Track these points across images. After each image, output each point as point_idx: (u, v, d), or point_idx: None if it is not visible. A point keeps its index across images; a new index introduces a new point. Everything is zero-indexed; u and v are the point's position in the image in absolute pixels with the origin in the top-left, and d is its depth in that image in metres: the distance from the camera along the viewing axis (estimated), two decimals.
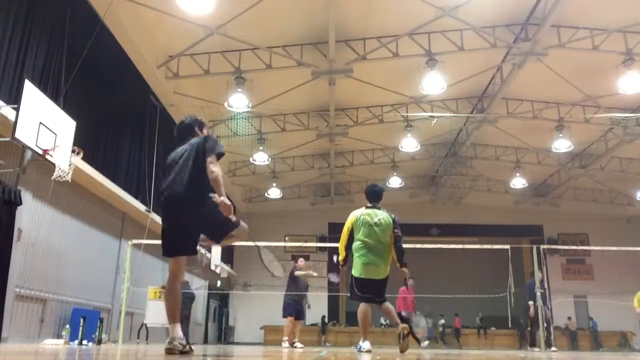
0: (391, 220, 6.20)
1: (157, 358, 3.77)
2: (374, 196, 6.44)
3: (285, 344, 10.48)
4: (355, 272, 6.05)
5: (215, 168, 3.92)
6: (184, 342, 3.84)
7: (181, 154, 4.19)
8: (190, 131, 4.42)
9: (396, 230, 6.19)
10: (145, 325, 12.09)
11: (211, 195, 3.96)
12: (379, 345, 13.25)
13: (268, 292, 12.11)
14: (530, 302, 11.97)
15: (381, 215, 6.22)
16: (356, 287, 6.00)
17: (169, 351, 3.78)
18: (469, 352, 10.13)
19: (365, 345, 5.94)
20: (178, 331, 3.86)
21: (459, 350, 14.03)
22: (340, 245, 6.30)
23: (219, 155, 4.03)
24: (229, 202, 3.88)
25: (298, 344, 10.58)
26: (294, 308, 10.74)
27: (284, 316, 10.81)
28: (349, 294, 6.18)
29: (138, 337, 12.18)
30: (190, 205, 3.97)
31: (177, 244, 4.07)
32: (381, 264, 6.03)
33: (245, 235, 4.23)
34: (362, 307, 6.04)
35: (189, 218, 3.98)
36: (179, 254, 4.09)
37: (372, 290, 5.96)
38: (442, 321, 21.54)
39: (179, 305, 4.06)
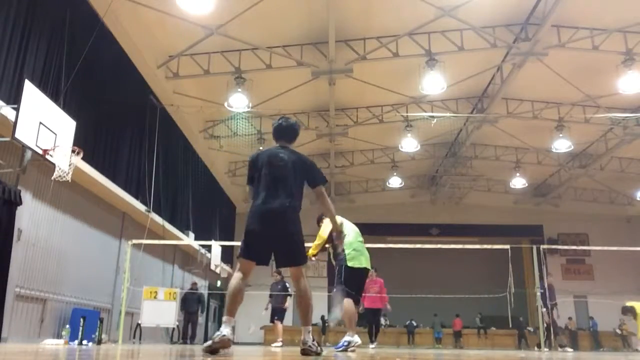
0: None
1: (156, 358, 3.76)
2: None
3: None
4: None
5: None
6: (315, 344, 3.99)
7: (285, 162, 4.22)
8: (294, 136, 4.49)
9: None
10: (140, 325, 12.10)
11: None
12: (380, 346, 13.24)
13: (268, 292, 12.12)
14: (544, 310, 11.64)
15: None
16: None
17: (305, 352, 3.95)
18: (468, 352, 10.13)
19: (357, 339, 6.13)
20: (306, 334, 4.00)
21: (459, 351, 14.02)
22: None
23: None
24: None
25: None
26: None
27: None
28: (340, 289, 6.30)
29: (134, 337, 12.19)
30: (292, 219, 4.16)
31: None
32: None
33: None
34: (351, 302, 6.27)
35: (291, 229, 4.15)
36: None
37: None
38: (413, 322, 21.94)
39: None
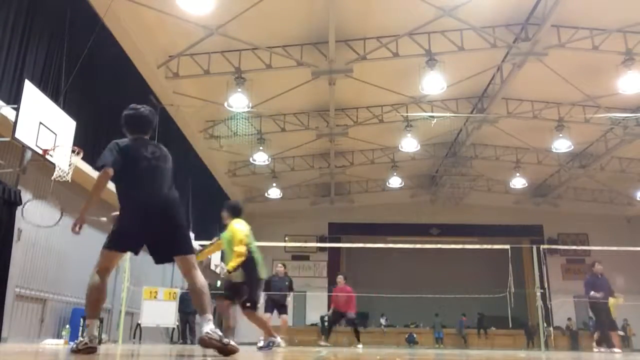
0: None
1: (156, 358, 3.76)
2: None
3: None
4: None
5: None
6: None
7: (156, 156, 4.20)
8: (151, 125, 4.41)
9: None
10: (140, 325, 12.09)
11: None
12: (378, 346, 13.26)
13: (268, 292, 12.08)
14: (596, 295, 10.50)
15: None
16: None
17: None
18: (468, 352, 10.13)
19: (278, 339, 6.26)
20: None
21: (459, 350, 14.02)
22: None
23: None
24: None
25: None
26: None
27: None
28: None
29: (134, 337, 12.19)
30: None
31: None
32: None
33: None
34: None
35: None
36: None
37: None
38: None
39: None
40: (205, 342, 3.69)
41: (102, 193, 4.11)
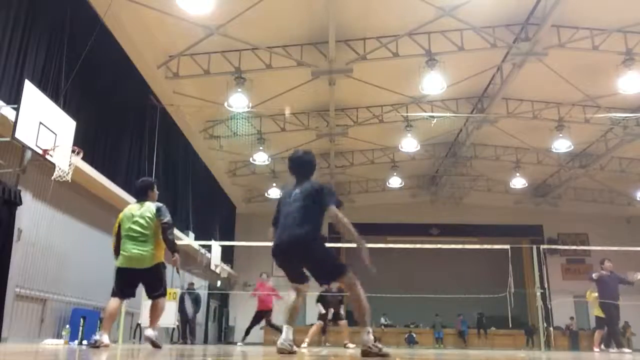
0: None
1: (156, 358, 3.76)
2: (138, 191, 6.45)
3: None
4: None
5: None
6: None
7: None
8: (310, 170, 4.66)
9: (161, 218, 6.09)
10: (140, 325, 12.09)
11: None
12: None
13: (268, 293, 12.10)
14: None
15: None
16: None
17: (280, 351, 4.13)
18: (468, 352, 10.12)
19: (104, 338, 5.83)
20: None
21: (460, 350, 14.02)
22: None
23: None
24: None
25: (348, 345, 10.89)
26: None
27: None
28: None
29: (134, 337, 12.18)
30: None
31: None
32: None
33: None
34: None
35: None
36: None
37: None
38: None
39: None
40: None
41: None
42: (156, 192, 6.47)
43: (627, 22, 11.91)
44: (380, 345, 3.93)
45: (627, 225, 23.84)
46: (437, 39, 12.31)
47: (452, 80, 13.56)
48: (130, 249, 6.02)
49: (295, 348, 4.21)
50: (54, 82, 8.42)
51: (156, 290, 6.10)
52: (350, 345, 10.77)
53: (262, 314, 12.03)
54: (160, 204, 6.24)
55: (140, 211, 6.14)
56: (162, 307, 6.14)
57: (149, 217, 6.06)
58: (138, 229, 6.04)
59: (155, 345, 6.05)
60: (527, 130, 17.03)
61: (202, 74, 12.71)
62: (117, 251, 6.25)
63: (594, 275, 10.60)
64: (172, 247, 6.09)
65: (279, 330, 11.65)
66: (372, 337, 3.96)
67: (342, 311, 11.51)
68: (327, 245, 4.42)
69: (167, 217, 6.10)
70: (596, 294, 10.67)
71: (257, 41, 12.20)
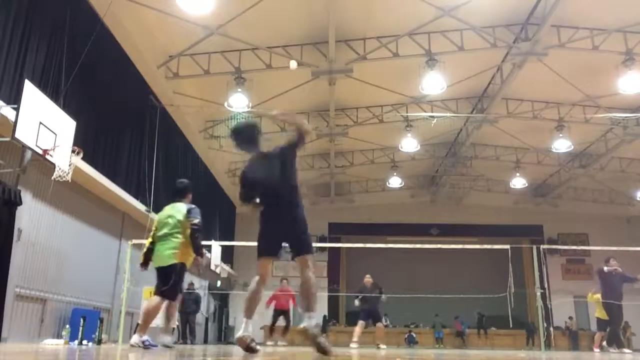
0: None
1: (156, 358, 3.77)
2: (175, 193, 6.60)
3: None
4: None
5: None
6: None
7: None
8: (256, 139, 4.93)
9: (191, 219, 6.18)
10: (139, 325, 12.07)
11: None
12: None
13: (268, 293, 12.09)
14: None
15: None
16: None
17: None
18: (468, 352, 10.12)
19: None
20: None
21: (460, 350, 14.02)
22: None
23: None
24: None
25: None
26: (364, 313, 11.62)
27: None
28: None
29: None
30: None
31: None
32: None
33: None
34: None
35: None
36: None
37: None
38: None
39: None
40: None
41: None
42: (190, 194, 6.60)
43: (627, 22, 11.91)
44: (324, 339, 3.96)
45: (627, 225, 23.84)
46: (437, 39, 12.31)
47: (452, 80, 13.56)
48: (157, 248, 6.22)
49: (258, 347, 4.23)
50: (54, 82, 8.42)
51: (159, 288, 6.14)
52: (382, 346, 10.99)
53: (280, 312, 12.67)
54: (192, 205, 6.35)
55: (170, 212, 6.31)
56: (156, 308, 6.16)
57: (177, 218, 6.20)
58: (164, 229, 6.22)
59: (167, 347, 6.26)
60: (527, 130, 17.03)
61: (202, 74, 12.71)
62: (145, 255, 6.36)
63: (605, 269, 10.46)
64: (197, 249, 6.18)
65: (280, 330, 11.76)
66: (318, 323, 4.03)
67: (381, 312, 11.89)
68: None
69: (197, 219, 6.18)
70: (598, 295, 10.62)
71: (257, 41, 12.20)
